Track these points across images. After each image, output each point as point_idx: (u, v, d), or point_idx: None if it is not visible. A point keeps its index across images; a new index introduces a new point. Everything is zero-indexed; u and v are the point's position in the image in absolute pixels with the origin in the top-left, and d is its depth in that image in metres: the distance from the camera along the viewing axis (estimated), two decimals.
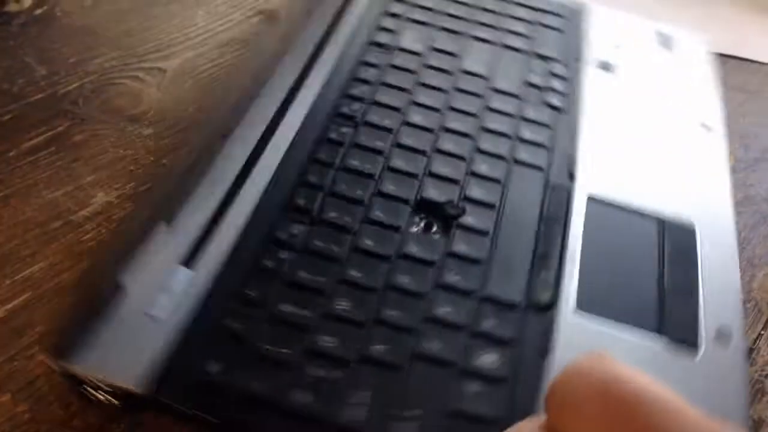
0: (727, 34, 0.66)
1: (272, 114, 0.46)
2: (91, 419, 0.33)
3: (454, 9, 0.58)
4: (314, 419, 0.32)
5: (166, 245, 0.37)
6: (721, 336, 0.38)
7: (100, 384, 0.32)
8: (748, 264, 0.46)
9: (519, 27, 0.57)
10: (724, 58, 0.62)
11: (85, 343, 0.33)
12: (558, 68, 0.54)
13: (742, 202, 0.51)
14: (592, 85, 0.53)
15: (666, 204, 0.45)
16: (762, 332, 0.43)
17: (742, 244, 0.47)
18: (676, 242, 0.43)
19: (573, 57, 0.55)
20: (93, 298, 0.35)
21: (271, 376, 0.33)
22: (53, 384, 0.34)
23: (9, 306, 0.37)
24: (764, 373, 0.41)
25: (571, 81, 0.53)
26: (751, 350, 0.42)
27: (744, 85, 0.61)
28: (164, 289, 0.36)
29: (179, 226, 0.38)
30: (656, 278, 0.41)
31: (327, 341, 0.35)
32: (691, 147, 0.49)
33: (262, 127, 0.45)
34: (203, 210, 0.39)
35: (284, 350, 0.34)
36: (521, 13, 0.59)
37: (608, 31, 0.58)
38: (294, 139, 0.45)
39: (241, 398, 0.32)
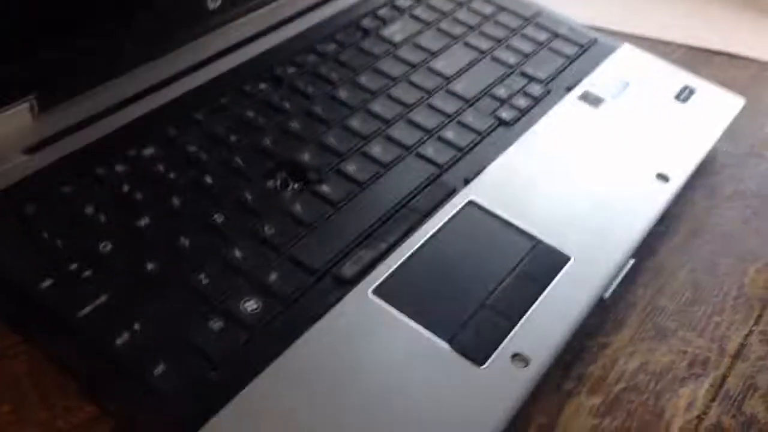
0: (716, 30, 0.66)
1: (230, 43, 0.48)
2: (74, 420, 0.32)
3: (464, 15, 0.57)
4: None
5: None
6: (517, 361, 0.34)
7: None
8: (739, 260, 0.45)
9: (523, 45, 0.55)
10: (712, 53, 0.63)
11: None
12: (534, 89, 0.51)
13: (731, 197, 0.50)
14: (561, 111, 0.50)
15: (555, 235, 0.41)
16: (753, 328, 0.42)
17: (732, 239, 0.46)
18: (538, 264, 0.39)
19: (563, 85, 0.52)
20: None
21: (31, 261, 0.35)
22: (37, 384, 0.33)
23: None
24: (755, 369, 0.40)
25: (540, 103, 0.50)
26: (742, 346, 0.41)
27: (733, 81, 0.58)
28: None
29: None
30: (488, 292, 0.37)
31: (105, 247, 0.36)
32: (630, 196, 0.44)
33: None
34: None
35: (59, 242, 0.35)
36: (536, 34, 0.56)
37: (625, 69, 0.54)
38: (224, 71, 0.47)
39: None
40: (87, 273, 0.34)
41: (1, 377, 0.33)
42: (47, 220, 0.36)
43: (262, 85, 0.47)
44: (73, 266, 0.34)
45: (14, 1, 0.38)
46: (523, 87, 0.51)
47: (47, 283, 0.33)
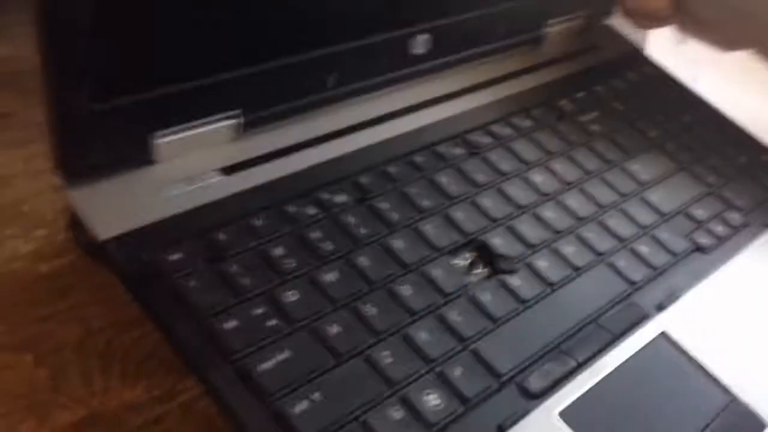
0: None
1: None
2: (111, 403, 0.31)
3: (661, 118, 0.54)
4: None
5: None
6: None
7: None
8: None
9: (723, 165, 0.51)
10: None
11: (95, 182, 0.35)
12: (734, 217, 0.47)
13: None
14: (761, 248, 0.46)
15: (753, 393, 0.37)
16: None
17: None
18: (732, 426, 0.35)
19: (763, 219, 0.48)
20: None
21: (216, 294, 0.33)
22: (80, 355, 0.32)
23: (55, 262, 0.35)
24: None
25: (739, 233, 0.46)
26: None
27: None
28: (193, 179, 0.37)
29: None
30: None
31: (292, 296, 0.33)
32: None
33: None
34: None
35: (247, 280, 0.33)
36: (737, 155, 0.52)
37: None
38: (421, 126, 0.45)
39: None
40: (272, 322, 0.32)
41: (45, 340, 0.31)
42: (237, 253, 0.34)
43: (457, 150, 0.45)
44: (259, 311, 0.32)
45: (240, 10, 0.36)
46: (721, 212, 0.47)
47: (232, 323, 0.31)
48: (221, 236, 0.34)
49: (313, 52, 0.41)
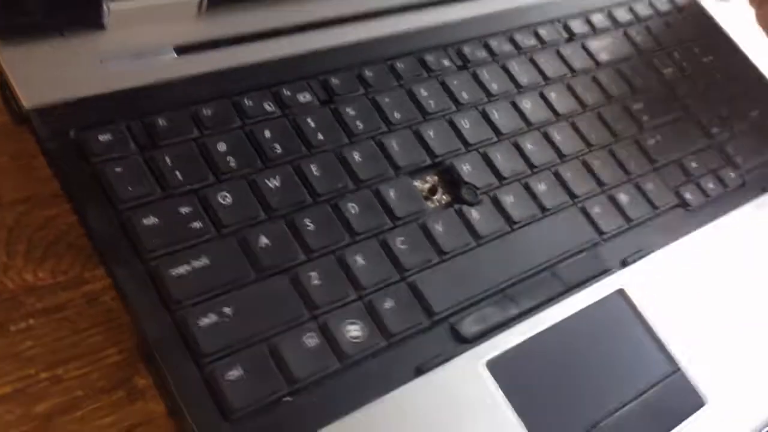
0: None
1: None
2: (11, 282, 0.29)
3: (682, 55, 0.49)
4: None
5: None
6: None
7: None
8: None
9: (734, 122, 0.48)
10: None
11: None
12: (729, 176, 0.44)
13: None
14: (751, 214, 0.43)
15: (699, 366, 0.35)
16: None
17: None
18: (669, 398, 0.34)
19: (762, 183, 0.45)
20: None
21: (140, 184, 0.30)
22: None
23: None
24: None
25: (731, 193, 0.43)
26: None
27: None
28: (142, 54, 0.34)
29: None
30: (606, 413, 0.32)
31: (224, 199, 0.31)
32: None
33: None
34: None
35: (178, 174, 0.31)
36: (751, 106, 0.49)
37: None
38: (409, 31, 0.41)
39: None
40: (196, 224, 0.30)
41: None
42: (174, 143, 0.31)
43: (446, 61, 0.41)
44: (185, 210, 0.30)
45: None
46: (718, 169, 0.44)
47: (150, 220, 0.29)
48: (160, 122, 0.32)
49: None
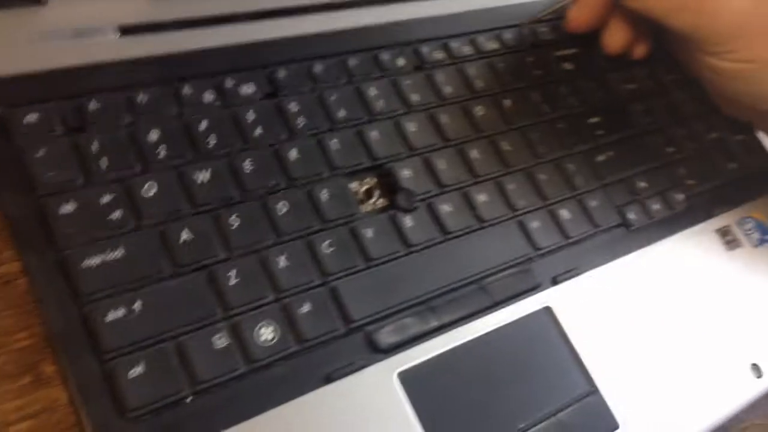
0: None
1: None
2: None
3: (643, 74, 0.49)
4: None
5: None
6: None
7: None
8: None
9: (690, 143, 0.47)
10: None
11: None
12: (677, 199, 0.44)
13: None
14: (692, 239, 0.43)
15: (616, 390, 0.35)
16: None
17: None
18: (583, 419, 0.34)
19: (708, 206, 0.45)
20: None
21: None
22: None
23: None
24: None
25: (676, 216, 0.43)
26: None
27: None
28: (84, 33, 0.33)
29: None
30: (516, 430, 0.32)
31: (148, 190, 0.31)
32: (718, 381, 0.38)
33: None
34: None
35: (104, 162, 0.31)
36: (707, 131, 0.48)
37: None
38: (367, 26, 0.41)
39: None
40: (116, 214, 0.30)
41: None
42: (104, 129, 0.31)
43: (401, 61, 0.41)
44: (106, 199, 0.30)
45: None
46: (666, 190, 0.44)
47: (67, 208, 0.29)
48: (92, 105, 0.31)
49: None
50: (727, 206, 0.45)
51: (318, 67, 0.38)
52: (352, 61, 0.39)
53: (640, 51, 0.46)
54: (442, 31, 0.43)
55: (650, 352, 0.37)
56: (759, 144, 0.49)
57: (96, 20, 0.34)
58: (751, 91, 0.42)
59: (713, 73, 0.43)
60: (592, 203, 0.41)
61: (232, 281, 0.30)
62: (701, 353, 0.39)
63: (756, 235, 0.44)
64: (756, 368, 0.39)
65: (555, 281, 0.37)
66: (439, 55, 0.42)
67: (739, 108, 0.46)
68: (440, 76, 0.41)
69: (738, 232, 0.44)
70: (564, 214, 0.40)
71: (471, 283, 0.35)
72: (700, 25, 0.40)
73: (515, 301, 0.36)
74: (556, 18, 0.47)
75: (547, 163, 0.41)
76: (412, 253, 0.35)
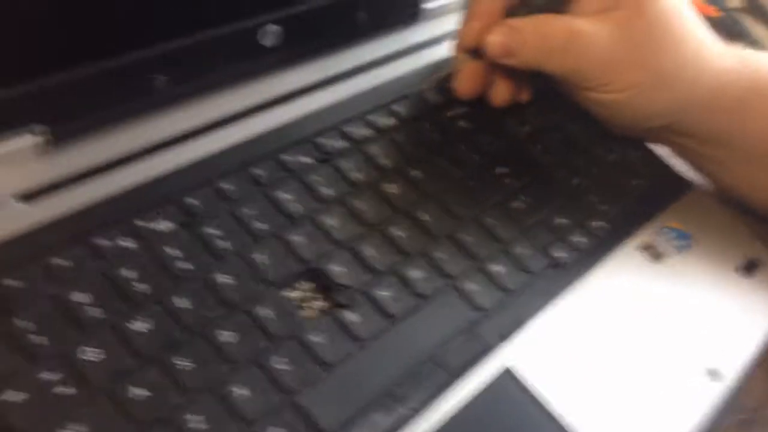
0: None
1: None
2: None
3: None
4: None
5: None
6: None
7: None
8: None
9: (593, 169, 0.49)
10: None
11: None
12: (597, 225, 0.46)
13: None
14: (619, 260, 0.45)
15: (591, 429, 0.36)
16: None
17: None
18: None
19: (627, 225, 0.47)
20: None
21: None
22: None
23: None
24: None
25: (600, 242, 0.45)
26: None
27: None
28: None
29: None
30: None
31: (95, 355, 0.30)
32: (678, 395, 0.39)
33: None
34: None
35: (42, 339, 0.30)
36: (607, 152, 0.51)
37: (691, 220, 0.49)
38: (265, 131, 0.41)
39: None
40: (70, 390, 0.29)
41: None
42: (31, 306, 0.30)
43: (303, 158, 0.41)
44: (54, 377, 0.29)
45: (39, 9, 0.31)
46: (584, 220, 0.46)
47: (20, 396, 0.28)
48: (11, 283, 0.30)
49: (133, 53, 0.36)
50: (643, 221, 0.47)
51: (225, 185, 0.38)
52: (257, 171, 0.39)
53: (525, 95, 0.48)
54: (337, 117, 0.44)
55: (613, 380, 0.38)
56: (655, 156, 0.51)
57: None
58: (632, 115, 0.45)
59: (596, 105, 0.45)
60: (519, 251, 0.42)
61: (197, 425, 0.29)
62: (658, 369, 0.40)
63: (676, 242, 0.46)
64: (712, 372, 0.41)
65: (502, 337, 0.38)
66: (338, 143, 0.42)
67: (628, 129, 0.48)
68: (345, 164, 0.42)
69: (659, 244, 0.46)
70: (495, 268, 0.41)
71: (426, 361, 0.36)
72: (572, 67, 0.42)
73: (472, 368, 0.36)
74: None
75: (468, 223, 0.42)
76: (364, 348, 0.35)
